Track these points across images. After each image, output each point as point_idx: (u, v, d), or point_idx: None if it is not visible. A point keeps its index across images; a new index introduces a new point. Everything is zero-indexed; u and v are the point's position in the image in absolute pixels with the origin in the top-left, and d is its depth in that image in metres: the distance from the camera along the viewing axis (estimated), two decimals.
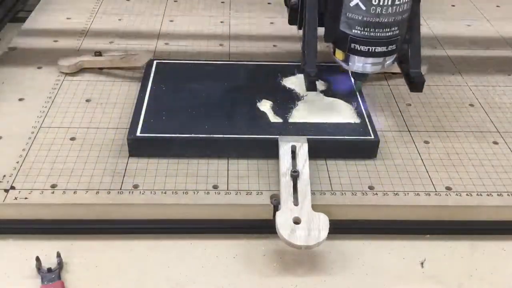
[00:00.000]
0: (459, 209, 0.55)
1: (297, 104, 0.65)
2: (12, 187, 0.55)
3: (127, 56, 0.74)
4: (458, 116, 0.68)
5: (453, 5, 0.99)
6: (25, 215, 0.53)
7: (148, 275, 0.50)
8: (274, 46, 0.83)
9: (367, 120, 0.62)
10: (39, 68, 0.75)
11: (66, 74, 0.73)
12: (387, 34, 0.57)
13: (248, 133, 0.60)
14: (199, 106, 0.63)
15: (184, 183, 0.56)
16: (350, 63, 0.61)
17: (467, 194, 0.56)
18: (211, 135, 0.59)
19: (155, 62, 0.71)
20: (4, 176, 0.56)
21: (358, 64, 0.60)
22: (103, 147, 0.61)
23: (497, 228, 0.56)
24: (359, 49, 0.59)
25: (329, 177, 0.58)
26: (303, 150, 0.58)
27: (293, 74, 0.70)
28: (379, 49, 0.58)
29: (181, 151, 0.59)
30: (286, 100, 0.65)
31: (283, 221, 0.51)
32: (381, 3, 0.55)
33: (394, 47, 0.59)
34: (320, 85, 0.68)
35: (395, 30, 0.58)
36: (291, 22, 0.65)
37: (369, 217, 0.55)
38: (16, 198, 0.53)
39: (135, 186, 0.55)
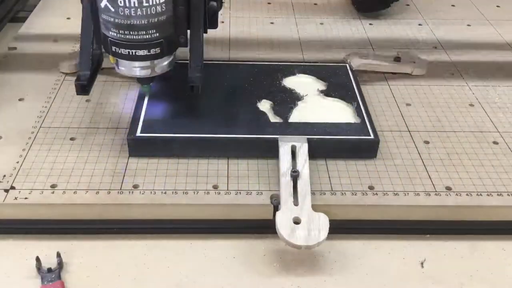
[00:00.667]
0: (459, 209, 0.55)
1: (297, 104, 0.65)
2: (12, 187, 0.55)
3: None
4: (458, 116, 0.68)
5: (453, 5, 0.99)
6: (25, 215, 0.53)
7: (148, 275, 0.50)
8: (274, 46, 0.83)
9: (367, 120, 0.62)
10: (39, 68, 0.74)
11: (66, 74, 0.73)
12: (145, 37, 0.55)
13: (248, 133, 0.60)
14: (199, 106, 0.63)
15: (184, 183, 0.56)
16: (120, 67, 0.59)
17: (467, 194, 0.56)
18: (211, 135, 0.59)
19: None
20: (4, 176, 0.56)
21: (124, 68, 0.58)
22: (103, 147, 0.61)
23: (497, 228, 0.56)
24: (119, 52, 0.56)
25: (329, 177, 0.58)
26: (303, 150, 0.58)
27: (293, 74, 0.70)
28: (140, 52, 0.56)
29: (181, 151, 0.59)
30: (286, 100, 0.65)
31: (283, 221, 0.51)
32: (127, 5, 0.53)
33: (158, 50, 0.56)
34: (320, 85, 0.68)
35: (153, 33, 0.55)
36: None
37: (369, 217, 0.55)
38: (16, 198, 0.53)
39: (135, 186, 0.55)
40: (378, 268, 0.52)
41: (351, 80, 0.69)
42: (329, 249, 0.53)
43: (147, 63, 0.58)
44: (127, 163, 0.59)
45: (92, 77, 0.59)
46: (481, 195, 0.56)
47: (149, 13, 0.54)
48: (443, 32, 0.89)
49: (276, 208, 0.53)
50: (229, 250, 0.53)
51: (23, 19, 0.88)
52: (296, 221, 0.51)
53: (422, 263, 0.52)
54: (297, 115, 0.63)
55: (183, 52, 0.78)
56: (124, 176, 0.57)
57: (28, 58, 0.77)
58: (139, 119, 0.61)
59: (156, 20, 0.55)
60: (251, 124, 0.61)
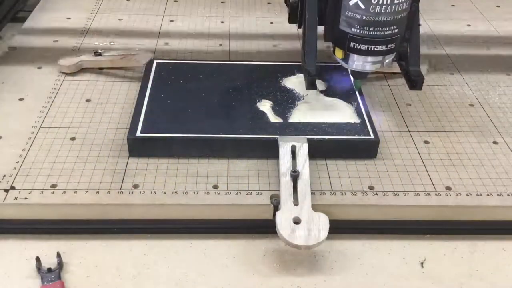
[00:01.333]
0: (459, 209, 0.55)
1: (297, 104, 0.65)
2: (12, 187, 0.55)
3: (127, 56, 0.74)
4: (458, 116, 0.68)
5: (453, 5, 0.99)
6: (25, 215, 0.53)
7: (148, 275, 0.50)
8: (274, 46, 0.83)
9: (367, 120, 0.62)
10: (39, 68, 0.75)
11: (66, 74, 0.73)
12: (386, 32, 0.58)
13: (248, 133, 0.60)
14: (199, 106, 0.63)
15: (184, 183, 0.56)
16: (349, 62, 0.61)
17: (467, 194, 0.56)
18: (211, 135, 0.59)
19: (155, 62, 0.71)
20: (4, 176, 0.56)
21: (358, 62, 0.60)
22: (103, 147, 0.61)
23: (497, 228, 0.56)
24: (358, 48, 0.59)
25: (329, 177, 0.58)
26: (303, 150, 0.58)
27: (293, 74, 0.70)
28: (378, 47, 0.58)
29: (181, 151, 0.59)
30: (286, 100, 0.65)
31: (283, 221, 0.51)
32: (380, 2, 0.55)
33: (393, 45, 0.59)
34: (320, 85, 0.68)
35: (394, 29, 0.58)
36: (291, 21, 0.66)
37: (369, 217, 0.55)
38: (16, 198, 0.53)
39: (135, 186, 0.55)
40: (378, 268, 0.52)
41: (351, 80, 0.69)
42: (329, 249, 0.53)
43: (379, 58, 0.60)
44: (127, 163, 0.59)
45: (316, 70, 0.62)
46: (481, 195, 0.56)
47: (395, 10, 0.56)
48: (443, 31, 0.89)
49: (276, 208, 0.53)
50: (229, 250, 0.53)
51: (23, 19, 0.88)
52: (296, 221, 0.51)
53: (422, 263, 0.52)
54: (297, 115, 0.63)
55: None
56: (124, 176, 0.57)
57: (28, 58, 0.77)
58: (139, 119, 0.61)
59: (399, 16, 0.57)
60: (251, 124, 0.61)
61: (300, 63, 0.73)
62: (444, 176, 0.58)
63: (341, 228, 0.53)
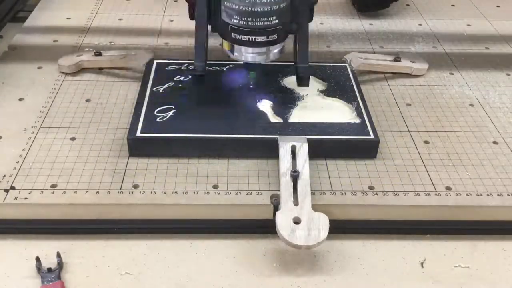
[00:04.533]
0: (459, 209, 0.55)
1: (297, 104, 0.65)
2: (12, 187, 0.55)
3: (127, 56, 0.74)
4: (458, 116, 0.68)
5: (453, 5, 0.99)
6: (25, 215, 0.53)
7: (148, 275, 0.50)
8: None
9: (367, 120, 0.62)
10: (39, 68, 0.75)
11: (66, 74, 0.73)
12: (266, 23, 0.58)
13: (248, 133, 0.60)
14: (199, 106, 0.63)
15: (184, 183, 0.56)
16: (236, 53, 0.61)
17: (467, 194, 0.56)
18: (211, 135, 0.59)
19: (155, 62, 0.71)
20: (4, 176, 0.56)
21: (243, 54, 0.61)
22: (103, 147, 0.61)
23: (497, 228, 0.56)
24: (239, 38, 0.59)
25: (329, 177, 0.58)
26: (303, 150, 0.58)
27: (293, 74, 0.70)
28: (259, 38, 0.59)
29: (181, 151, 0.59)
30: (286, 100, 0.65)
31: (283, 221, 0.51)
32: None
33: (275, 36, 0.59)
34: (320, 85, 0.68)
35: (273, 19, 0.58)
36: (191, 17, 0.64)
37: (369, 217, 0.55)
38: (16, 198, 0.53)
39: (135, 186, 0.55)
40: (378, 268, 0.52)
41: (351, 80, 0.69)
42: (329, 249, 0.53)
43: (263, 49, 0.60)
44: (127, 163, 0.59)
45: (205, 68, 0.62)
46: (481, 195, 0.56)
47: (272, 0, 0.56)
48: (443, 31, 0.89)
49: (276, 208, 0.53)
50: (229, 250, 0.53)
51: (23, 19, 0.88)
52: (296, 221, 0.51)
53: (422, 263, 0.52)
54: (297, 115, 0.63)
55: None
56: (124, 176, 0.57)
57: (28, 57, 0.77)
58: (139, 119, 0.61)
59: (277, 7, 0.57)
60: (251, 124, 0.61)
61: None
62: (444, 176, 0.58)
63: (341, 228, 0.53)
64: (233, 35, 0.59)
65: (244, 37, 0.59)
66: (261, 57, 0.61)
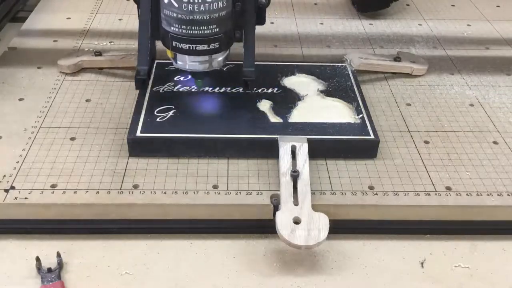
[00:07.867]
0: (459, 209, 0.55)
1: (297, 104, 0.65)
2: (12, 187, 0.55)
3: (127, 56, 0.74)
4: (458, 116, 0.68)
5: (453, 5, 0.99)
6: (25, 215, 0.53)
7: (148, 275, 0.50)
8: (274, 46, 0.83)
9: (367, 120, 0.62)
10: (39, 68, 0.75)
11: (66, 74, 0.73)
12: (205, 32, 0.57)
13: (248, 133, 0.60)
14: (199, 106, 0.63)
15: (184, 183, 0.56)
16: (178, 62, 0.61)
17: (467, 194, 0.56)
18: (211, 135, 0.59)
19: (155, 62, 0.71)
20: (4, 176, 0.56)
21: (184, 62, 0.60)
22: (103, 147, 0.61)
23: (497, 228, 0.56)
24: (180, 47, 0.58)
25: (329, 177, 0.58)
26: (303, 150, 0.58)
27: (293, 74, 0.70)
28: (200, 47, 0.58)
29: (181, 151, 0.59)
30: (286, 100, 0.65)
31: (283, 221, 0.51)
32: (191, 1, 0.55)
33: (217, 45, 0.58)
34: (320, 85, 0.68)
35: (213, 28, 0.57)
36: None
37: (369, 217, 0.55)
38: (16, 198, 0.53)
39: (135, 186, 0.55)
40: (378, 268, 0.52)
41: (351, 80, 0.69)
42: (329, 249, 0.53)
43: (206, 57, 0.59)
44: (127, 163, 0.59)
45: (149, 72, 0.62)
46: (481, 195, 0.56)
47: (211, 8, 0.56)
48: (443, 31, 0.89)
49: (276, 208, 0.53)
50: (229, 250, 0.53)
51: (23, 19, 0.88)
52: (296, 221, 0.51)
53: (422, 263, 0.52)
54: (297, 115, 0.63)
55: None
56: (124, 176, 0.57)
57: (28, 58, 0.77)
58: (139, 119, 0.61)
59: (217, 15, 0.57)
60: (251, 124, 0.61)
61: (300, 63, 0.73)
62: (444, 176, 0.58)
63: (341, 228, 0.54)
64: (174, 43, 0.58)
65: (185, 46, 0.58)
66: (203, 66, 0.60)
